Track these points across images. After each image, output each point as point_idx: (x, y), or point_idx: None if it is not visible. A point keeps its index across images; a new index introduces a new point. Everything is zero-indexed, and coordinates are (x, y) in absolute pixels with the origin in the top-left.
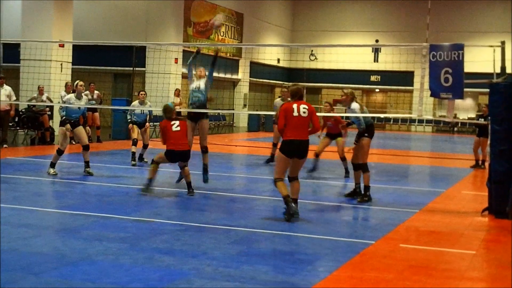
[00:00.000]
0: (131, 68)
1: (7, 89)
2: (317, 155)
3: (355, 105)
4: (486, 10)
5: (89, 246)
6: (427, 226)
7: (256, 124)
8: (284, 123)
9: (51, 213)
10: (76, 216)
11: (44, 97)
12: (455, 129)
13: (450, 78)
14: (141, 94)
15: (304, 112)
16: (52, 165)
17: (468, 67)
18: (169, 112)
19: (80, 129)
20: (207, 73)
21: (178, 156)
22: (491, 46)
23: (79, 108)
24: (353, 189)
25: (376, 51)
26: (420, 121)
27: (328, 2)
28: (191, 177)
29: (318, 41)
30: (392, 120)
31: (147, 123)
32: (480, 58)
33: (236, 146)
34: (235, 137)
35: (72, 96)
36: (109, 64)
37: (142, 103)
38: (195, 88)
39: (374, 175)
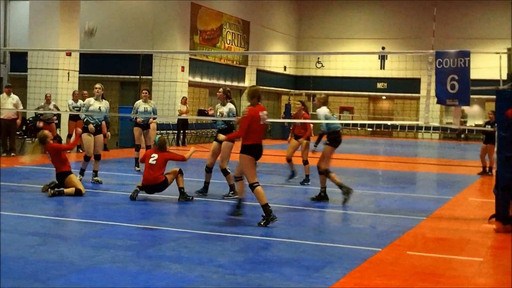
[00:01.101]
0: (138, 76)
1: (14, 98)
2: (288, 160)
3: (320, 110)
4: (492, 16)
5: (96, 254)
6: (434, 233)
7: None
8: (247, 130)
9: (58, 221)
10: (84, 224)
11: (51, 106)
12: (462, 135)
13: (456, 84)
14: (144, 93)
15: (265, 120)
16: (82, 171)
17: (475, 74)
18: (163, 146)
19: (99, 138)
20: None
21: (151, 189)
22: (497, 52)
23: (99, 109)
24: (319, 193)
25: (383, 58)
26: (427, 128)
27: (335, 9)
28: (183, 183)
29: (325, 48)
30: (399, 127)
31: (152, 124)
32: (487, 65)
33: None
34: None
35: (91, 98)
36: (116, 72)
37: (145, 101)
38: (218, 115)
39: (381, 182)
